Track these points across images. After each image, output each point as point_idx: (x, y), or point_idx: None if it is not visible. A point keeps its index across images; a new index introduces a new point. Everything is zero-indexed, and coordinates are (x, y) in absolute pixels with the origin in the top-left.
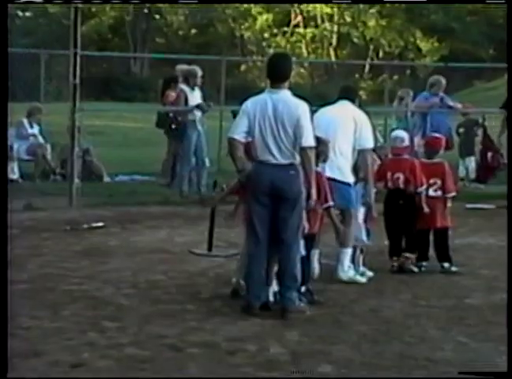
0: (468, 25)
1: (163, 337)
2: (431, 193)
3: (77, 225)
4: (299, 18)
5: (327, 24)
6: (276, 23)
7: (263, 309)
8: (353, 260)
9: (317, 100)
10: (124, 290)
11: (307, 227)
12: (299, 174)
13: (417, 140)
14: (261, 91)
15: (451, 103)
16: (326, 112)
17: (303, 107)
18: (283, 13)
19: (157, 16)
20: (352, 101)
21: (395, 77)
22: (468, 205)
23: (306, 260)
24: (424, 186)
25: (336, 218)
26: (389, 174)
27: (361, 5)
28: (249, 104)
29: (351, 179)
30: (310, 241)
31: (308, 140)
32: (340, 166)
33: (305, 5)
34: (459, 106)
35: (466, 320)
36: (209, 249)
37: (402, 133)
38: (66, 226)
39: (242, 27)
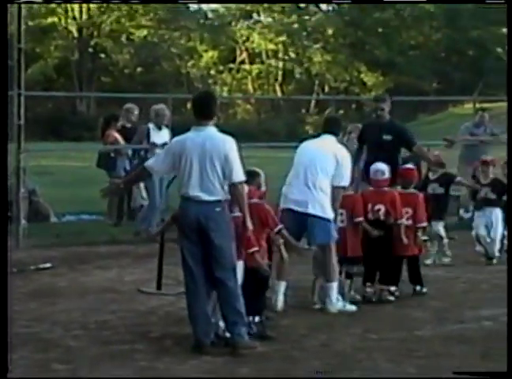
0: (411, 59)
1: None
2: (404, 221)
3: (24, 266)
4: (245, 55)
5: (272, 61)
6: (222, 60)
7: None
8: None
9: (264, 136)
10: (73, 332)
11: (261, 261)
12: (225, 210)
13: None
14: (188, 129)
15: None
16: (309, 146)
17: (230, 143)
18: (228, 50)
19: (102, 55)
20: (336, 135)
21: (341, 112)
22: None
23: (258, 294)
24: (404, 219)
25: (290, 237)
26: (369, 206)
27: (305, 41)
28: (174, 143)
29: (331, 215)
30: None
31: (238, 176)
32: (321, 203)
33: (250, 41)
34: None
35: (417, 352)
36: (158, 287)
37: (383, 166)
38: (13, 268)
39: (188, 64)
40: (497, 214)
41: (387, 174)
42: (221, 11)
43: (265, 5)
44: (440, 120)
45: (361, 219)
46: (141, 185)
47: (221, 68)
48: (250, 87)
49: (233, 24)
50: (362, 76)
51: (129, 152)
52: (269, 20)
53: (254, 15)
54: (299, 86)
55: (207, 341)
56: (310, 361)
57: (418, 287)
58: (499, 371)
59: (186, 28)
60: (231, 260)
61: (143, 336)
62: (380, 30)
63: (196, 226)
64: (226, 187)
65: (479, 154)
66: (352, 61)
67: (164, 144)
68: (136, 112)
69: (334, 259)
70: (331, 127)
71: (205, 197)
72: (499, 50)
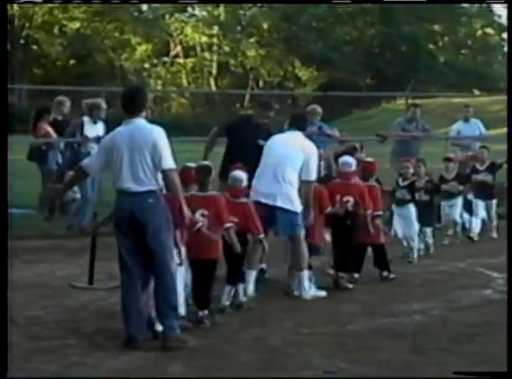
0: (345, 55)
1: (43, 374)
2: (362, 212)
3: None
4: (179, 48)
5: (206, 54)
6: (156, 53)
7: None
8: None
9: (198, 130)
10: None
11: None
12: (159, 201)
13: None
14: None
15: (329, 131)
16: (277, 141)
17: (157, 131)
18: (162, 43)
19: (34, 47)
20: (302, 130)
21: (276, 106)
22: None
23: (203, 287)
24: (371, 210)
25: (235, 238)
26: (338, 197)
27: (239, 35)
28: (105, 139)
29: (299, 208)
30: (210, 267)
31: (167, 163)
32: (289, 196)
33: (183, 35)
34: (337, 134)
35: (347, 346)
36: (90, 282)
37: (350, 159)
38: None
39: (122, 57)
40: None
41: (354, 167)
42: (155, 4)
43: None
44: (374, 115)
45: (330, 208)
46: None
47: (155, 61)
48: (184, 80)
49: (167, 17)
50: (296, 71)
51: (62, 145)
52: (204, 13)
53: (189, 8)
54: (233, 80)
55: (139, 335)
56: (241, 355)
57: (385, 273)
58: (499, 371)
59: (120, 21)
60: (166, 252)
61: (74, 332)
62: (315, 25)
63: (130, 218)
64: (160, 177)
65: (411, 149)
66: (287, 56)
67: (98, 138)
68: (68, 104)
69: (303, 248)
70: (297, 123)
71: (137, 188)
72: (431, 46)
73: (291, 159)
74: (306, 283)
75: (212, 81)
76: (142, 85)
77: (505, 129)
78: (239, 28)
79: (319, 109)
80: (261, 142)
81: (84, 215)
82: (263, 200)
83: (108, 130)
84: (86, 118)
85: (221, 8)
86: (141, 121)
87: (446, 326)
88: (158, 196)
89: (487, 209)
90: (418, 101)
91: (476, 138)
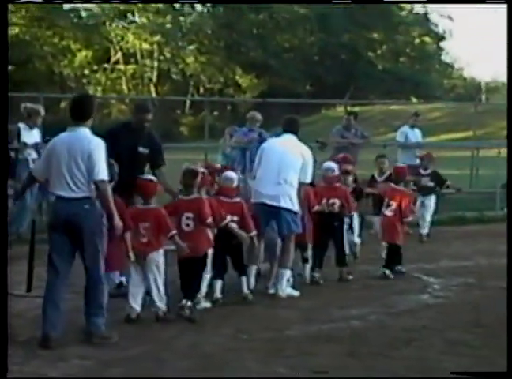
0: (285, 62)
1: None
2: (387, 212)
3: None
4: (119, 55)
5: (147, 61)
6: (96, 59)
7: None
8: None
9: None
10: None
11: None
12: (94, 207)
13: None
14: (62, 129)
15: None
16: (276, 145)
17: (95, 142)
18: (102, 50)
19: None
20: (296, 134)
21: (216, 113)
22: None
23: (198, 280)
24: (387, 210)
25: (238, 230)
26: (324, 200)
27: (179, 43)
28: (50, 143)
29: (298, 207)
30: (202, 262)
31: (99, 174)
32: (290, 197)
33: (124, 41)
34: None
35: (285, 351)
36: (28, 289)
37: (332, 165)
38: None
39: (62, 63)
40: None
41: (336, 171)
42: (95, 10)
43: (140, 5)
44: (313, 122)
45: (318, 206)
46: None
47: (95, 67)
48: (124, 87)
49: (107, 23)
50: (237, 78)
51: None
52: (144, 20)
53: (129, 15)
54: (174, 87)
55: (54, 335)
56: (178, 362)
57: (387, 271)
58: (499, 371)
59: (59, 27)
60: (97, 256)
61: (11, 340)
62: (255, 32)
63: (65, 223)
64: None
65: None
66: (227, 63)
67: (36, 144)
68: None
69: (292, 248)
70: (291, 127)
71: (73, 195)
72: (370, 54)
73: (292, 164)
74: (284, 281)
75: (152, 88)
76: (90, 94)
77: (441, 137)
78: (179, 35)
79: (259, 116)
80: (140, 149)
81: (22, 222)
82: (268, 202)
83: (45, 137)
84: (22, 125)
85: (168, 17)
86: (84, 131)
87: (383, 331)
88: (93, 202)
89: None
90: (357, 108)
91: (418, 145)
